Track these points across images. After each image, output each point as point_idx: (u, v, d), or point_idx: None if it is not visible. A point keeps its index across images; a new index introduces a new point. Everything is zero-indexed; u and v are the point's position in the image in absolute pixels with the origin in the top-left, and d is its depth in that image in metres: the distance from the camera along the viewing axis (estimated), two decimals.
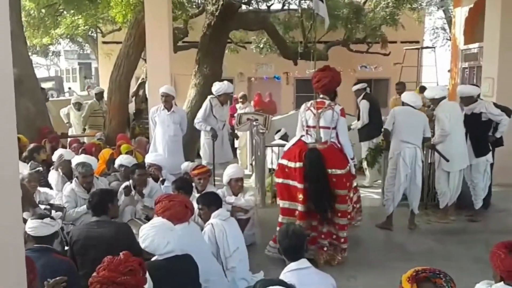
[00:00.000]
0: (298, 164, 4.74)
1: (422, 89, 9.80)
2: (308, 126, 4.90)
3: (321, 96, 4.96)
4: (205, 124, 6.80)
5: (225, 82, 6.96)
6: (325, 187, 4.67)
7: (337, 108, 4.84)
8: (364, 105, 8.11)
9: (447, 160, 5.97)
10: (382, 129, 6.64)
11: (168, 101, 6.85)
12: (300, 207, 4.76)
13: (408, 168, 5.79)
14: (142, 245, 3.16)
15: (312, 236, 4.80)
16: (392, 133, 5.92)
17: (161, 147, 6.87)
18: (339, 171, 4.72)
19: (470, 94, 6.28)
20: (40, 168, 6.02)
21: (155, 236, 3.11)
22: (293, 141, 5.05)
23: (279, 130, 8.85)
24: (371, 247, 5.44)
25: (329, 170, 4.69)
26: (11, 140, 2.02)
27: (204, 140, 7.05)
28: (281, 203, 4.95)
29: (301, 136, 4.95)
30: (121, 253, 2.79)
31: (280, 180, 4.92)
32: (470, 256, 5.10)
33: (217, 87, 6.86)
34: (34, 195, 4.85)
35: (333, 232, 4.84)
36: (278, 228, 4.79)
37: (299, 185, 4.73)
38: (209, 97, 6.92)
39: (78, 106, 10.39)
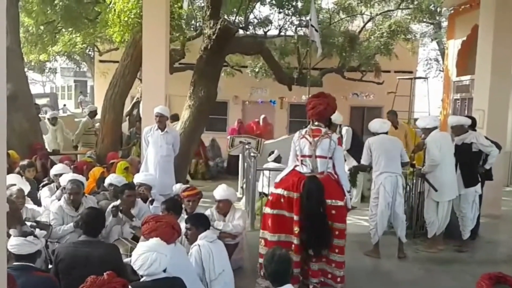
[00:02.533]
0: (297, 195, 4.41)
1: (393, 113, 9.92)
2: (303, 155, 4.57)
3: (316, 123, 4.67)
4: None
5: (336, 113, 6.39)
6: (324, 219, 4.36)
7: (334, 136, 4.58)
8: (348, 131, 8.45)
9: (436, 190, 6.01)
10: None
11: (162, 121, 6.87)
12: (296, 241, 4.43)
13: (389, 197, 5.81)
14: (137, 265, 3.12)
15: (295, 275, 4.36)
16: (372, 166, 5.98)
17: (152, 167, 6.85)
18: (339, 203, 4.43)
19: (460, 123, 6.38)
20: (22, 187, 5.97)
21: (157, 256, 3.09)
22: (286, 171, 4.73)
23: (272, 152, 8.87)
24: (359, 275, 5.40)
25: (329, 201, 4.38)
26: (0, 155, 2.02)
27: None
28: (269, 236, 4.56)
29: (295, 166, 4.62)
30: (105, 274, 2.78)
31: (274, 211, 4.51)
32: (457, 287, 5.09)
33: None
34: (21, 211, 4.81)
35: (328, 270, 4.50)
36: (260, 261, 4.52)
37: (296, 217, 4.39)
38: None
39: (54, 121, 10.38)
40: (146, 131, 7.06)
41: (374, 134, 6.14)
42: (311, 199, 4.33)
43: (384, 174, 5.83)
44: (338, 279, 4.49)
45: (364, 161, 6.02)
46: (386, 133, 6.08)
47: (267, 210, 4.64)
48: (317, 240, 4.36)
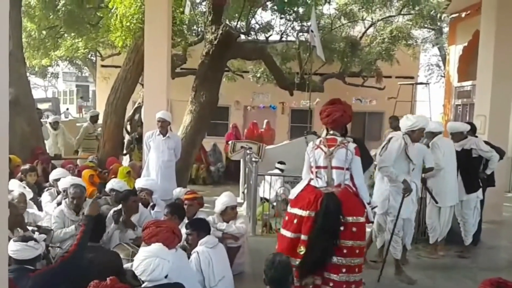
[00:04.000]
0: (310, 213, 4.11)
1: (395, 119, 9.69)
2: (318, 167, 4.26)
3: (331, 132, 4.40)
4: (396, 171, 5.12)
5: (422, 115, 5.62)
6: (335, 240, 4.07)
7: (351, 146, 4.26)
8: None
9: (437, 202, 6.01)
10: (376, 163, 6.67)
11: (164, 126, 6.88)
12: (297, 262, 4.07)
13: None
14: (138, 271, 3.11)
15: None
16: None
17: (154, 172, 6.86)
18: (361, 219, 4.14)
19: (459, 130, 6.37)
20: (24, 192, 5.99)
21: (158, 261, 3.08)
22: (301, 186, 4.41)
23: (282, 163, 8.59)
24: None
25: (350, 218, 4.08)
26: (2, 159, 2.02)
27: (389, 190, 5.30)
28: None
29: (310, 180, 4.33)
30: (108, 279, 2.78)
31: (288, 234, 4.21)
32: None
33: (413, 121, 5.18)
34: (23, 215, 4.80)
35: None
36: None
37: (304, 237, 4.09)
38: (401, 133, 5.25)
39: (55, 125, 10.36)
40: (147, 136, 7.07)
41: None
42: (329, 218, 4.03)
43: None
44: None
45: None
46: None
47: (282, 231, 4.36)
48: (318, 258, 4.07)
